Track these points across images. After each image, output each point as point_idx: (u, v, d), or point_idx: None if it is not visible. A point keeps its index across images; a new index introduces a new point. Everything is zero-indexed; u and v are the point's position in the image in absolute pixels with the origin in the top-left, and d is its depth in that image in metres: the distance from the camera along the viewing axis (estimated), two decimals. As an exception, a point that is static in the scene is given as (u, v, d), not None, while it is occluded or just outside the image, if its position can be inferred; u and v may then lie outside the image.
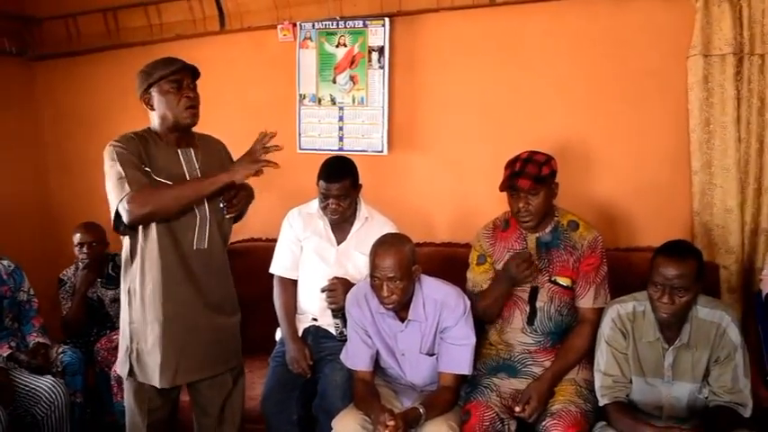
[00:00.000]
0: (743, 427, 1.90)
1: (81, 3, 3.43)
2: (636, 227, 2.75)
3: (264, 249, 2.77)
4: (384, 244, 2.11)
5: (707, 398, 1.97)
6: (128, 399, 2.13)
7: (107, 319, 3.14)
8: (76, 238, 3.09)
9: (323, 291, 2.40)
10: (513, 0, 2.77)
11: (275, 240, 2.62)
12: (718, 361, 1.95)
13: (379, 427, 1.96)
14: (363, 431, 2.07)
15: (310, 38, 3.09)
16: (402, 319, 2.18)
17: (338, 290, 2.36)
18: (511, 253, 2.25)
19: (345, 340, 2.33)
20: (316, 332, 2.51)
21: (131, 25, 3.35)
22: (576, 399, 2.10)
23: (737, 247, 2.57)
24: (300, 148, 3.16)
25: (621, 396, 2.03)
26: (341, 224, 2.49)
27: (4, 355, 2.67)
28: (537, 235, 2.26)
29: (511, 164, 2.22)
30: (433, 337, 2.19)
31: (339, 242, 2.51)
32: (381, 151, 3.04)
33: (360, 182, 2.48)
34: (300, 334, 2.51)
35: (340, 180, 2.38)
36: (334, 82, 3.08)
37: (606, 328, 2.07)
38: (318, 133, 3.14)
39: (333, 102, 3.10)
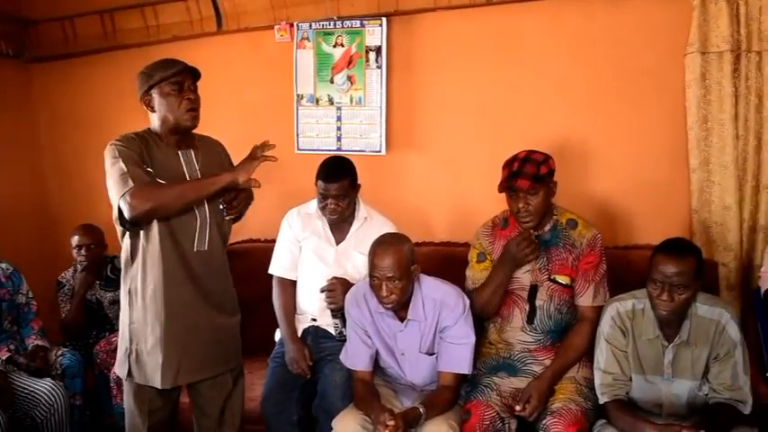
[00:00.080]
0: (743, 423, 1.91)
1: (77, 4, 3.42)
2: (634, 225, 2.76)
3: (263, 250, 2.77)
4: (383, 244, 2.11)
5: (707, 395, 1.97)
6: (127, 400, 2.12)
7: (106, 322, 3.13)
8: (75, 240, 3.07)
9: (322, 291, 2.40)
10: (509, -1, 2.78)
11: (274, 241, 2.62)
12: (717, 358, 1.95)
13: (379, 427, 1.96)
14: (363, 431, 2.06)
15: (307, 38, 3.08)
16: (401, 319, 2.18)
17: (337, 290, 2.36)
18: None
19: (345, 340, 2.33)
20: (315, 332, 2.51)
21: (128, 27, 3.34)
22: (576, 397, 2.10)
23: (736, 245, 2.57)
24: (298, 149, 3.16)
25: (621, 394, 2.03)
26: (340, 224, 2.49)
27: (4, 358, 2.67)
28: (536, 233, 2.25)
29: (509, 164, 2.22)
30: (433, 336, 2.18)
31: (338, 242, 2.51)
32: (379, 151, 3.04)
33: (358, 182, 2.48)
34: (300, 334, 2.51)
35: (338, 180, 2.38)
36: (332, 82, 3.07)
37: (606, 326, 2.07)
38: (316, 133, 3.14)
39: (330, 102, 3.09)
